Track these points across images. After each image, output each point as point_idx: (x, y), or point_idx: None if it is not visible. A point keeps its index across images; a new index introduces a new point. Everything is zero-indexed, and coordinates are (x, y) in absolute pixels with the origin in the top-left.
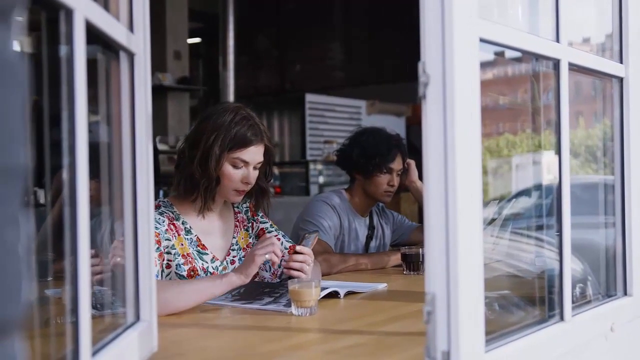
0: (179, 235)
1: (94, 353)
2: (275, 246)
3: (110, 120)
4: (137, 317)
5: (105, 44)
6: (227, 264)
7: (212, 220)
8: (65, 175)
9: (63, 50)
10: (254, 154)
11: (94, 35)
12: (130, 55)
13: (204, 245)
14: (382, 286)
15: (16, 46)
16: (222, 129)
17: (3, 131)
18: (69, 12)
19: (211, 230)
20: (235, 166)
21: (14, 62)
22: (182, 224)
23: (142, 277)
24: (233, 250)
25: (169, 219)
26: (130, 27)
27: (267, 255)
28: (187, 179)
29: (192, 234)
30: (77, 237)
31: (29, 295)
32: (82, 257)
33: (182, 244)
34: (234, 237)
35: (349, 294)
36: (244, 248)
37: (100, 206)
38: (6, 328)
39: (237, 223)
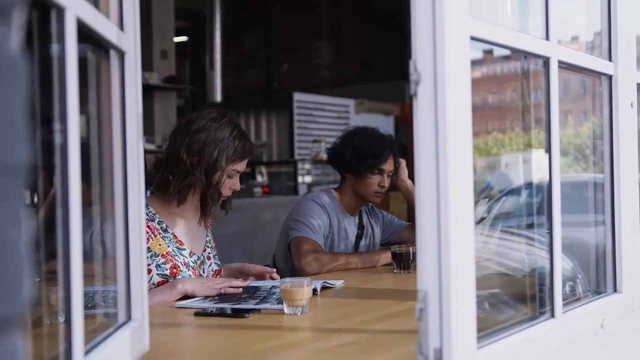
0: (155, 236)
1: (86, 352)
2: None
3: (100, 120)
4: (129, 317)
5: (96, 43)
6: (204, 258)
7: (189, 220)
8: (57, 175)
9: (54, 48)
10: (245, 164)
11: (84, 34)
12: (121, 54)
13: (181, 241)
14: (339, 283)
15: (16, 45)
16: (223, 143)
17: (5, 129)
18: (61, 11)
19: (187, 229)
20: (229, 176)
21: (15, 61)
22: (158, 223)
23: (134, 277)
24: (208, 247)
25: None
26: (121, 26)
27: (221, 290)
28: (187, 187)
29: (169, 232)
30: (69, 238)
31: (30, 293)
32: (75, 257)
33: (159, 244)
34: (207, 236)
35: (324, 288)
36: (214, 247)
37: (91, 207)
38: (8, 325)
39: (208, 224)
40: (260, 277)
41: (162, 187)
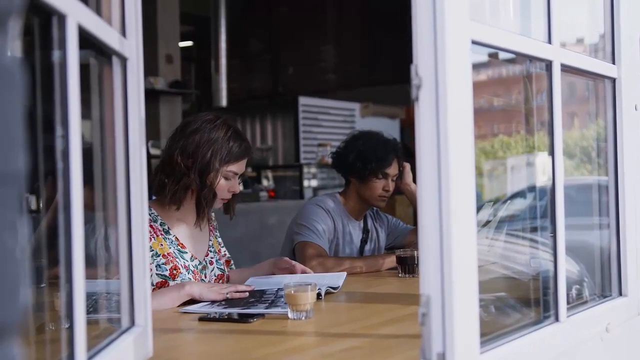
0: (157, 236)
1: (89, 358)
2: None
3: (103, 126)
4: (132, 322)
5: (98, 49)
6: (206, 263)
7: (190, 224)
8: (59, 181)
9: (56, 55)
10: (243, 165)
11: (86, 40)
12: (123, 60)
13: (182, 244)
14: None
15: (13, 52)
16: (217, 144)
17: (2, 138)
18: (62, 18)
19: (189, 234)
20: (226, 178)
21: (11, 68)
22: (161, 225)
23: (137, 282)
24: (211, 251)
25: None
26: (123, 32)
27: (228, 295)
28: (183, 189)
29: (171, 234)
30: (71, 243)
31: (27, 300)
32: (77, 263)
33: (161, 245)
34: (210, 240)
35: (328, 293)
36: (217, 251)
37: (94, 212)
38: (5, 332)
39: (211, 228)
40: (291, 271)
41: (159, 191)
